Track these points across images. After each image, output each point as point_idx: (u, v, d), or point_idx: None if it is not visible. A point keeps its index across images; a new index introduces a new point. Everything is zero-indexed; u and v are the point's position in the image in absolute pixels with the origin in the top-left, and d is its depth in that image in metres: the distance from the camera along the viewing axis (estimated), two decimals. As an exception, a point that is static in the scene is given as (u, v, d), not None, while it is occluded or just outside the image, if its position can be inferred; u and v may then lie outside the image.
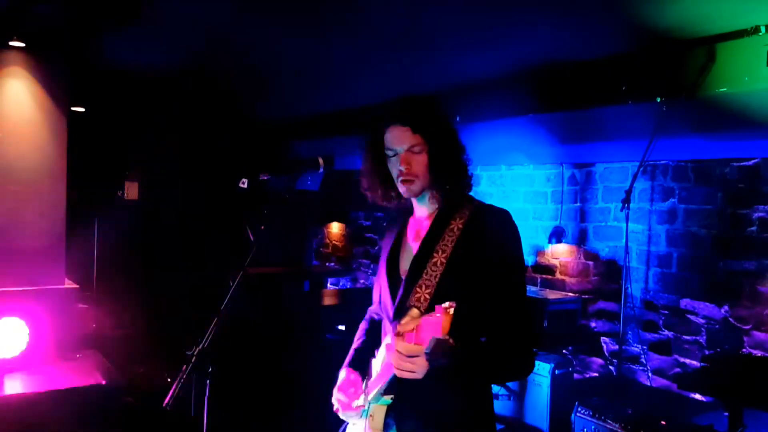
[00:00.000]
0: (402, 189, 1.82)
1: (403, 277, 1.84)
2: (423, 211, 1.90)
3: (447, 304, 1.48)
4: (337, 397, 1.92)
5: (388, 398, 1.75)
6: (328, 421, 1.98)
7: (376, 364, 1.85)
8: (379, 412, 1.76)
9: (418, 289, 1.73)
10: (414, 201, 1.91)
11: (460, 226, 1.77)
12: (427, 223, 1.87)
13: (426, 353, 1.50)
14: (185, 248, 6.63)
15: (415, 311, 1.70)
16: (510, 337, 1.71)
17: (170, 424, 3.00)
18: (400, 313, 1.78)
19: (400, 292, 1.81)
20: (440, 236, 1.78)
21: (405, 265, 1.86)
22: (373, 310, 2.15)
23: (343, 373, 1.96)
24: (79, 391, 3.12)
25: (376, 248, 7.23)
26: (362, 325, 2.13)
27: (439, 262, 1.74)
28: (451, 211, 1.82)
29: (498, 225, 1.78)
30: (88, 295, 5.67)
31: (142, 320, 6.01)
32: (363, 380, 1.90)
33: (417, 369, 1.56)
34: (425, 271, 1.74)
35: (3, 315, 3.36)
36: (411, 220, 1.95)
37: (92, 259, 5.90)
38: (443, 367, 1.57)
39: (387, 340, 1.79)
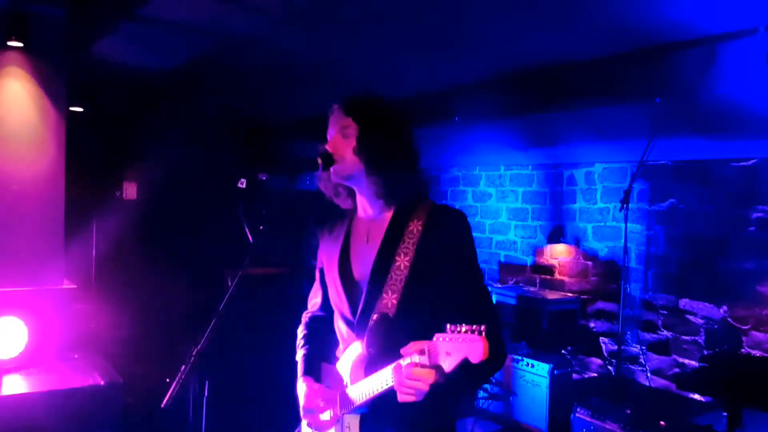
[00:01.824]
0: (332, 171, 1.80)
1: (360, 280, 1.82)
2: (369, 210, 1.87)
3: (476, 326, 1.43)
4: (309, 414, 1.89)
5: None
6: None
7: (343, 369, 1.82)
8: (354, 422, 1.76)
9: (384, 295, 1.71)
10: (358, 199, 1.88)
11: (420, 227, 1.75)
12: (379, 224, 1.84)
13: (448, 375, 1.47)
14: (184, 248, 6.62)
15: (379, 314, 1.70)
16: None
17: (169, 425, 2.99)
18: (364, 318, 1.77)
19: (363, 297, 1.78)
20: (400, 238, 1.75)
21: (360, 268, 1.83)
22: (311, 313, 2.12)
23: (304, 386, 1.91)
24: (77, 392, 3.12)
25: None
26: (302, 331, 2.10)
27: (402, 266, 1.72)
28: (408, 211, 1.80)
29: (456, 227, 1.76)
30: (87, 295, 5.66)
31: (140, 320, 6.00)
32: (324, 387, 1.88)
33: (422, 392, 1.51)
34: (389, 276, 1.72)
35: (1, 315, 3.35)
36: (358, 221, 1.92)
37: (91, 259, 5.89)
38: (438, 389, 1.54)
39: (355, 348, 1.77)
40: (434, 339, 1.48)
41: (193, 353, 1.73)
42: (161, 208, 6.68)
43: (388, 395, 1.61)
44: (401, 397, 1.54)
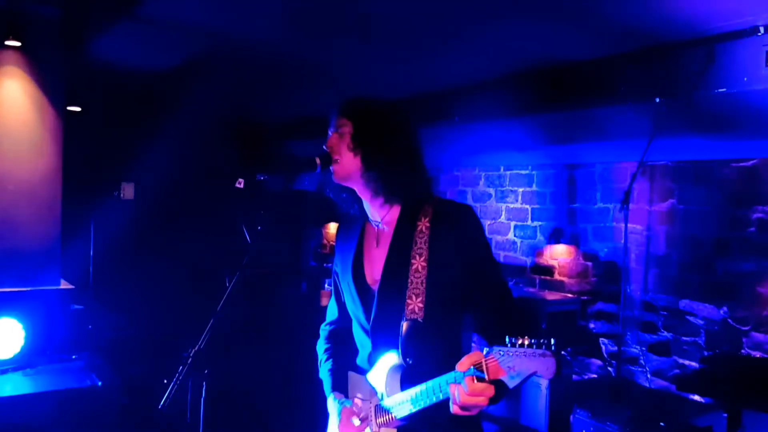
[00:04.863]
0: (331, 171, 1.81)
1: (372, 285, 1.80)
2: (374, 212, 1.86)
3: (543, 340, 1.40)
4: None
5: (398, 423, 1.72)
6: (323, 422, 1.97)
7: (377, 380, 1.77)
8: None
9: (409, 301, 1.69)
10: (364, 202, 1.87)
11: (427, 225, 1.74)
12: (386, 227, 1.83)
13: (510, 388, 1.41)
14: (182, 249, 6.61)
15: (409, 321, 1.68)
16: (518, 327, 1.67)
17: (166, 426, 2.98)
18: (379, 324, 1.76)
19: (375, 302, 1.77)
20: (411, 240, 1.74)
21: (372, 272, 1.82)
22: (329, 325, 2.07)
23: (336, 405, 1.85)
24: (74, 392, 3.11)
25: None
26: (323, 345, 2.04)
27: (420, 267, 1.71)
28: (413, 211, 1.79)
29: (464, 221, 1.77)
30: (84, 295, 5.64)
31: (138, 321, 5.98)
32: (357, 406, 1.83)
33: (481, 407, 1.48)
34: (409, 281, 1.70)
35: (-2, 316, 3.34)
36: (368, 224, 1.90)
37: (88, 260, 5.87)
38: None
39: (390, 358, 1.73)
40: (493, 353, 1.41)
41: (191, 354, 1.72)
42: (159, 209, 6.67)
43: (424, 411, 1.61)
44: (456, 410, 1.49)
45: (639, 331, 4.64)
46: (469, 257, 1.73)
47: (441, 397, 1.55)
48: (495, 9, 3.03)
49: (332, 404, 1.88)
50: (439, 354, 1.71)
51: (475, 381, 1.43)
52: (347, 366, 1.93)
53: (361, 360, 1.88)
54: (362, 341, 1.86)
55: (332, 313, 2.07)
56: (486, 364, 1.42)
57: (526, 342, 1.39)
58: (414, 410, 1.64)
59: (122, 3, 3.35)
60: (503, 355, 1.39)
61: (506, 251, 5.80)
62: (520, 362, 1.38)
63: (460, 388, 1.46)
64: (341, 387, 1.90)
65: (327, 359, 2.00)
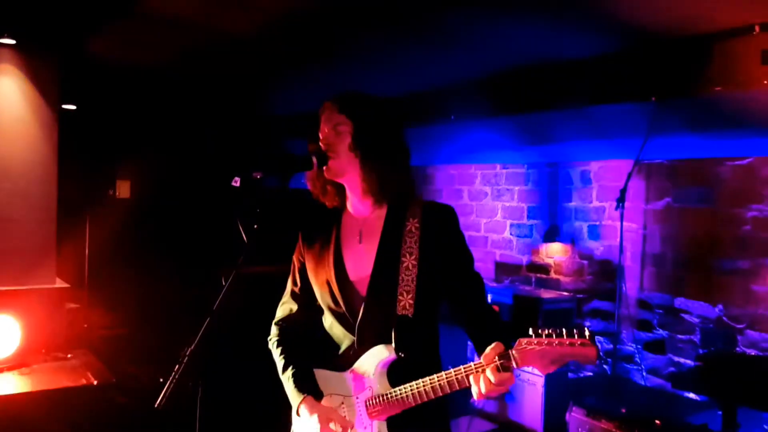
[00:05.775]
0: (324, 168, 1.80)
1: (356, 281, 1.81)
2: (360, 208, 1.87)
3: (584, 329, 1.50)
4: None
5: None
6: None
7: (366, 374, 1.77)
8: (383, 427, 1.75)
9: (400, 297, 1.73)
10: (349, 197, 1.88)
11: (417, 225, 1.80)
12: (372, 224, 1.85)
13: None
14: (178, 247, 6.59)
15: (400, 317, 1.73)
16: (495, 318, 1.83)
17: (162, 425, 2.97)
18: (368, 320, 1.77)
19: (365, 298, 1.78)
20: (400, 238, 1.79)
21: (356, 268, 1.83)
22: (285, 321, 2.02)
23: (310, 409, 1.81)
24: (70, 392, 3.10)
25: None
26: (280, 344, 1.97)
27: (410, 265, 1.76)
28: (401, 210, 1.83)
29: (449, 222, 1.83)
30: (80, 294, 5.62)
31: (133, 320, 5.97)
32: (335, 408, 1.81)
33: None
34: (401, 278, 1.75)
35: (-7, 314, 3.33)
36: (347, 220, 1.90)
37: (84, 258, 5.85)
38: None
39: (378, 352, 1.74)
40: (519, 344, 1.52)
41: (187, 353, 1.71)
42: (155, 207, 6.64)
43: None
44: (480, 397, 1.60)
45: (634, 329, 4.66)
46: (455, 254, 1.81)
47: (458, 387, 1.63)
48: (491, 6, 3.03)
49: (305, 409, 1.82)
50: (424, 346, 1.80)
51: (500, 371, 1.53)
52: (311, 364, 1.92)
53: (336, 355, 1.87)
54: (341, 337, 1.86)
55: (289, 309, 2.04)
56: (514, 355, 1.52)
57: (554, 333, 1.49)
58: (420, 401, 1.68)
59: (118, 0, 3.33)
60: (534, 346, 1.50)
61: (502, 249, 5.80)
62: (555, 352, 1.49)
63: (485, 378, 1.55)
64: (311, 388, 1.86)
65: (288, 362, 1.93)
